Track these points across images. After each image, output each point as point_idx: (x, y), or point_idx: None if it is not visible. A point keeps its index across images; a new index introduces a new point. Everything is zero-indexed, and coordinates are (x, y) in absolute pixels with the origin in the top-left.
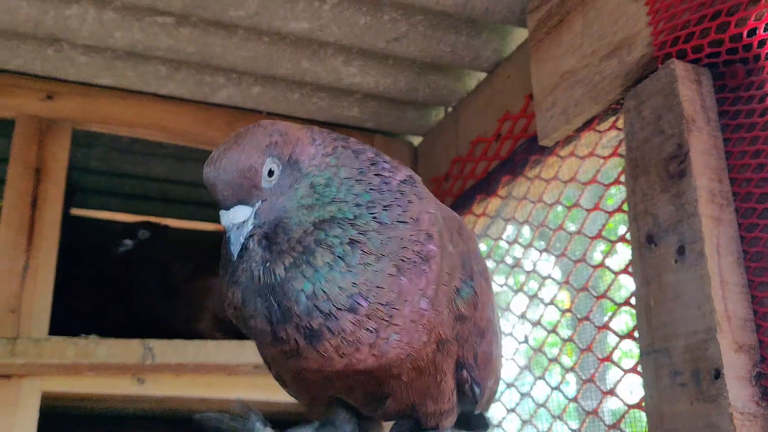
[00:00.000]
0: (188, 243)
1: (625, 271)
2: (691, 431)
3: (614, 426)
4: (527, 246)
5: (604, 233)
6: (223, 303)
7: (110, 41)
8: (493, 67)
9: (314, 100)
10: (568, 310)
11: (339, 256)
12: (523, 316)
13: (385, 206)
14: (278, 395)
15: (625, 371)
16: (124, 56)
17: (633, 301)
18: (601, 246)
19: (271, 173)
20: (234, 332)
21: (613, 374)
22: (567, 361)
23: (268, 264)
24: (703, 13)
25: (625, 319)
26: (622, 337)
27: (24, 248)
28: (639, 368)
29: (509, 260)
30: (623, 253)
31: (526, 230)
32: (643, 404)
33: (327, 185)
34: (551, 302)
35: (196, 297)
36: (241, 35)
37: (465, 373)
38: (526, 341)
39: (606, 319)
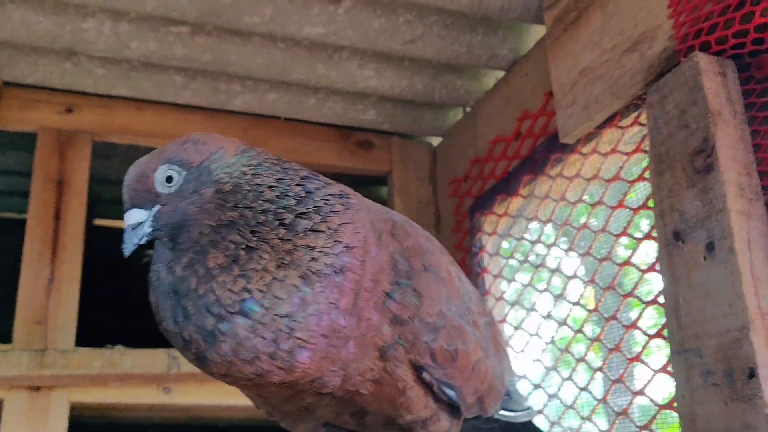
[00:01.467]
0: None
1: (651, 268)
2: None
3: (645, 427)
4: (551, 245)
5: (629, 230)
6: None
7: (126, 52)
8: (511, 65)
9: (329, 104)
10: (595, 309)
11: (233, 260)
12: (548, 315)
13: (299, 214)
14: None
15: (656, 371)
16: (140, 67)
17: (661, 299)
18: (624, 243)
19: (170, 179)
20: None
21: (638, 373)
22: (593, 360)
23: (170, 263)
24: (726, 4)
25: (649, 314)
26: (651, 336)
27: (48, 260)
28: (669, 368)
29: (533, 259)
30: (646, 250)
31: (549, 229)
32: (675, 405)
33: (233, 192)
34: (577, 302)
35: None
36: (256, 42)
37: (427, 375)
38: (552, 342)
39: (632, 316)
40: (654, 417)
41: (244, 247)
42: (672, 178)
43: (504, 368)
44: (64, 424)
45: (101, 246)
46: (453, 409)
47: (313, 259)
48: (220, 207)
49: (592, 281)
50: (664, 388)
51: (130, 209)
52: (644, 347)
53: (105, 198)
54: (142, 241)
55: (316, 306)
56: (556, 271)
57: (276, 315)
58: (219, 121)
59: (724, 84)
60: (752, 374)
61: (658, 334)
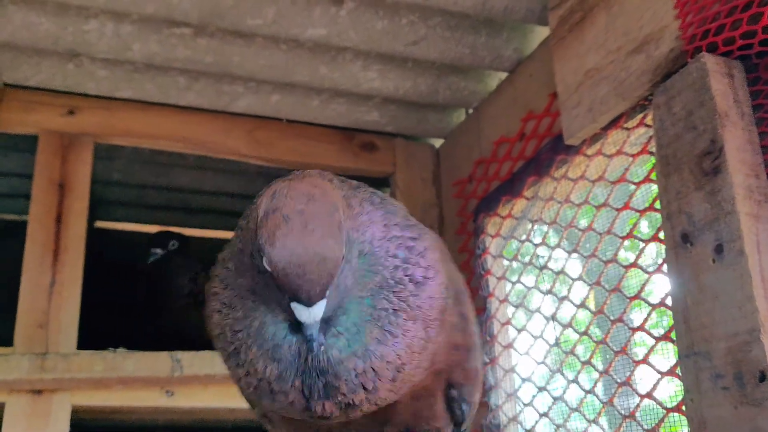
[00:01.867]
0: (212, 252)
1: (658, 270)
2: None
3: (653, 430)
4: (554, 247)
5: (634, 232)
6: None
7: (129, 54)
8: (515, 66)
9: (333, 105)
10: (600, 312)
11: (387, 330)
12: (553, 317)
13: (413, 263)
14: None
15: (663, 373)
16: (142, 68)
17: (668, 301)
18: (626, 245)
19: None
20: None
21: (641, 374)
22: (597, 363)
23: (322, 347)
24: (733, 4)
25: (653, 319)
26: (658, 339)
27: (50, 264)
28: (677, 370)
29: (536, 261)
30: (649, 252)
31: (553, 231)
32: (684, 408)
33: (371, 252)
34: (582, 304)
35: None
36: (259, 43)
37: (455, 392)
38: (557, 344)
39: (633, 318)
40: (662, 420)
41: (392, 311)
42: (679, 180)
43: None
44: (65, 427)
45: (102, 249)
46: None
47: (431, 307)
48: (369, 274)
49: (598, 283)
50: (666, 389)
51: (318, 303)
52: (651, 349)
53: (106, 200)
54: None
55: (430, 350)
56: (560, 273)
57: (411, 368)
58: (223, 123)
59: (732, 85)
60: (762, 377)
61: (665, 337)
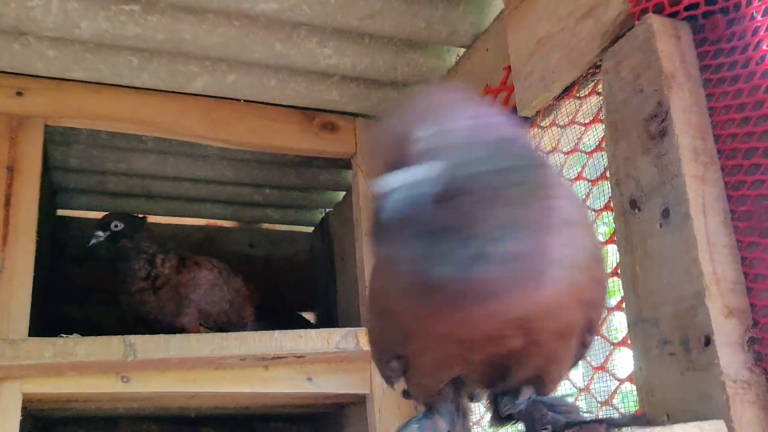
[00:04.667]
0: (173, 238)
1: (610, 240)
2: (682, 402)
3: (606, 402)
4: None
5: (588, 203)
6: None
7: (76, 32)
8: (472, 41)
9: (292, 84)
10: None
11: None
12: None
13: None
14: (267, 387)
15: (614, 344)
16: (93, 48)
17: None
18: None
19: None
20: (218, 326)
21: (602, 349)
22: None
23: None
24: None
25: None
26: (610, 310)
27: None
28: (629, 341)
29: None
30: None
31: None
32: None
33: None
34: None
35: (182, 290)
36: (211, 20)
37: (589, 338)
38: None
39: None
40: (614, 392)
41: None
42: (627, 145)
43: None
44: (16, 416)
45: (66, 238)
46: None
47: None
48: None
49: None
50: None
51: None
52: (603, 321)
53: (66, 187)
54: None
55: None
56: None
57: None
58: (179, 103)
59: (678, 46)
60: (708, 341)
61: (617, 307)
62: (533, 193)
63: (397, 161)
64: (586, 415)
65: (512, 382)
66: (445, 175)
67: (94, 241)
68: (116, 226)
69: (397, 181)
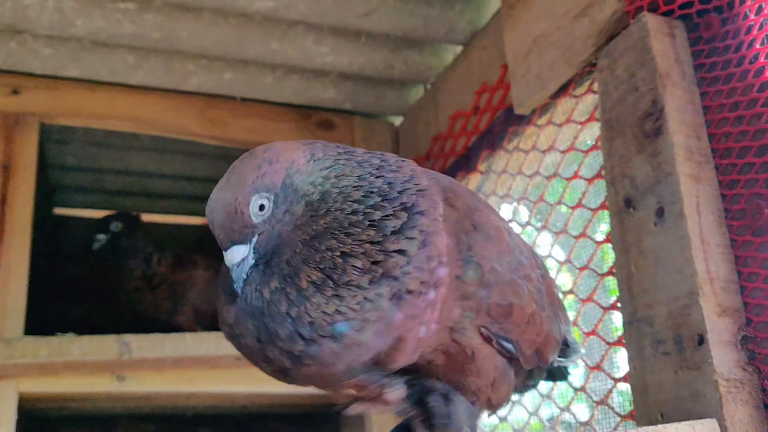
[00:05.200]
0: (170, 236)
1: (607, 239)
2: (676, 402)
3: (601, 402)
4: (509, 221)
5: (584, 201)
6: (205, 298)
7: (72, 30)
8: (469, 39)
9: (288, 83)
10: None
11: (327, 275)
12: None
13: (386, 214)
14: (263, 387)
15: (610, 344)
16: (89, 46)
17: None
18: (586, 214)
19: (262, 207)
20: (214, 325)
21: (599, 349)
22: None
23: (257, 287)
24: None
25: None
26: (606, 309)
27: None
28: (624, 340)
29: None
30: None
31: (506, 205)
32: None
33: (322, 200)
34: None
35: (178, 288)
36: (207, 18)
37: (484, 330)
38: None
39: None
40: (609, 392)
41: (339, 254)
42: (622, 144)
43: (560, 319)
44: (12, 415)
45: (64, 236)
46: (512, 362)
47: (406, 273)
48: (313, 218)
49: (552, 256)
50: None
51: (230, 247)
52: (599, 320)
53: (64, 186)
54: (248, 274)
55: (402, 330)
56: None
57: (364, 337)
58: (175, 102)
59: (673, 45)
60: (701, 341)
61: (613, 306)
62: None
63: (234, 236)
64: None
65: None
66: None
67: (97, 245)
68: (116, 227)
69: (236, 259)
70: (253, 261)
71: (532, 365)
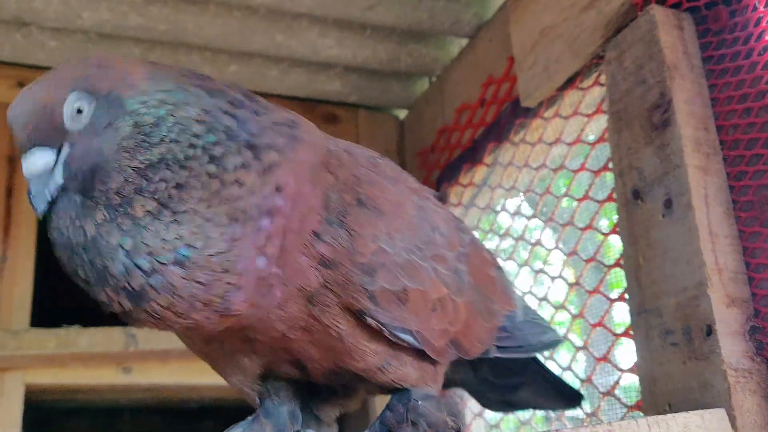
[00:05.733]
0: None
1: (613, 231)
2: (684, 392)
3: (608, 393)
4: (514, 213)
5: (591, 194)
6: None
7: (78, 22)
8: (475, 31)
9: (293, 75)
10: (561, 277)
11: (163, 204)
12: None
13: (227, 151)
14: None
15: (617, 335)
16: (95, 39)
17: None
18: (592, 207)
19: (79, 111)
20: None
21: (605, 340)
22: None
23: (77, 220)
24: None
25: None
26: (612, 301)
27: (0, 239)
28: (631, 331)
29: (497, 227)
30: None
31: (512, 196)
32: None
33: (156, 125)
34: (541, 269)
35: None
36: (212, 11)
37: (371, 320)
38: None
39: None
40: (616, 383)
41: (174, 185)
42: (630, 135)
43: (494, 303)
44: (19, 406)
45: None
46: (422, 353)
47: (239, 198)
48: (144, 144)
49: (557, 248)
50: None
51: (30, 149)
52: (606, 312)
53: None
54: (55, 195)
55: (242, 248)
56: (519, 239)
57: (209, 255)
58: None
59: (681, 37)
60: (710, 331)
61: (621, 298)
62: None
63: (39, 136)
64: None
65: (320, 376)
66: (79, 164)
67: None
68: None
69: (36, 166)
70: (62, 181)
71: (450, 358)
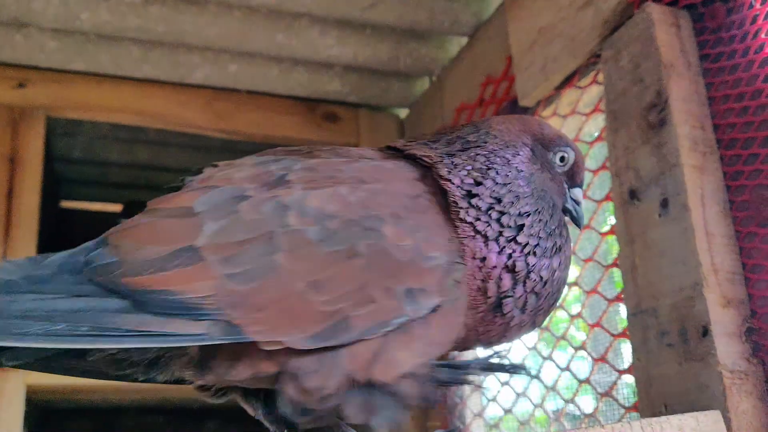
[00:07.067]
0: None
1: (611, 231)
2: (680, 393)
3: (606, 394)
4: None
5: (589, 193)
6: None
7: (78, 23)
8: (474, 31)
9: (294, 75)
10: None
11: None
12: None
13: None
14: None
15: (615, 336)
16: (95, 39)
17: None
18: (591, 206)
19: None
20: None
21: (603, 341)
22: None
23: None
24: None
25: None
26: (610, 301)
27: (1, 239)
28: (628, 332)
29: None
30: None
31: None
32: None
33: None
34: None
35: None
36: (212, 11)
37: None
38: None
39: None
40: (614, 384)
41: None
42: (627, 135)
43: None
44: (20, 406)
45: (71, 229)
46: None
47: None
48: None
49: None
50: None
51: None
52: (604, 312)
53: (69, 178)
54: None
55: None
56: None
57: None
58: (180, 94)
59: (678, 35)
60: (705, 332)
61: (617, 298)
62: None
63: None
64: None
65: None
66: None
67: None
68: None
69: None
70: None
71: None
